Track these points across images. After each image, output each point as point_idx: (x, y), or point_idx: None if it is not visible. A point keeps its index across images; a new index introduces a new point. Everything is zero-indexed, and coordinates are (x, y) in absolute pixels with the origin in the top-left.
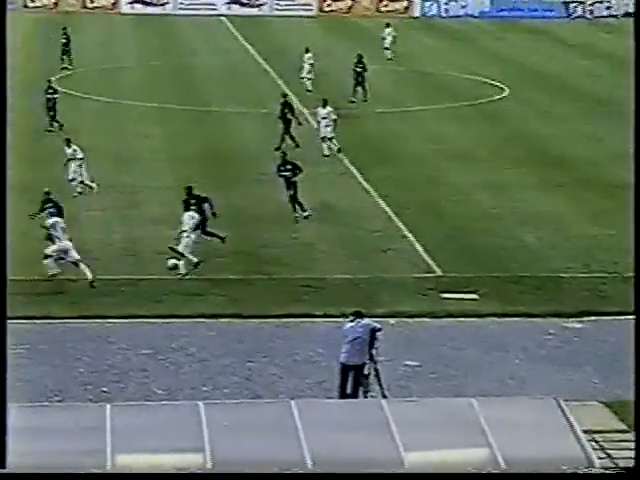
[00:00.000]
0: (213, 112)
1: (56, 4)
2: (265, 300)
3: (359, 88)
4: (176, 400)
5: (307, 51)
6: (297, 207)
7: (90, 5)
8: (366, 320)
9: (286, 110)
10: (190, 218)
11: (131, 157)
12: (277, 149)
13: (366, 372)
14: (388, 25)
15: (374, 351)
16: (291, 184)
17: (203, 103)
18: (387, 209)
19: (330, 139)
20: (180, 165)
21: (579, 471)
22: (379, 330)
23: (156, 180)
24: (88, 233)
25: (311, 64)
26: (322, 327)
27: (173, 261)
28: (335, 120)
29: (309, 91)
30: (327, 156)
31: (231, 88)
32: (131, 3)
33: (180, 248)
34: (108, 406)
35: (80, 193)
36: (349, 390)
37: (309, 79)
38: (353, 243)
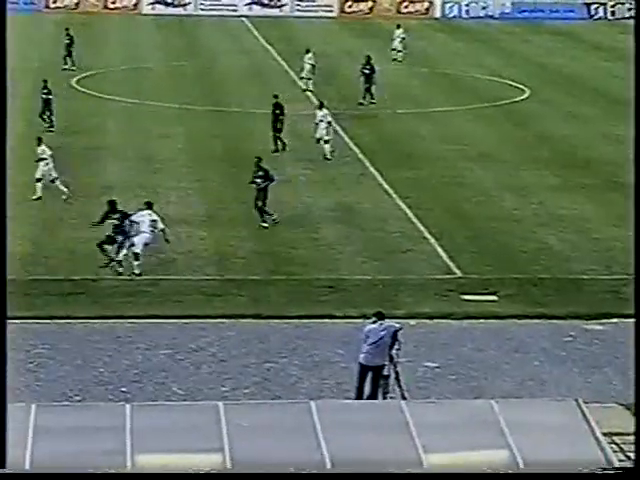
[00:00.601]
0: (234, 112)
1: (77, 5)
2: (285, 301)
3: (370, 89)
4: (195, 400)
5: (307, 52)
6: (263, 215)
7: (111, 6)
8: (388, 321)
9: (277, 111)
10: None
11: (152, 157)
12: (274, 151)
13: (386, 373)
14: (399, 26)
15: (395, 352)
16: (261, 191)
17: (224, 104)
18: (407, 210)
19: (327, 141)
20: (201, 165)
21: (597, 472)
22: (399, 330)
23: (177, 180)
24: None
25: (312, 65)
26: (342, 328)
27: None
28: (330, 123)
29: (310, 91)
30: (329, 159)
31: (252, 89)
32: (152, 4)
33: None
34: (128, 406)
35: (40, 198)
36: (368, 391)
37: (308, 79)
38: (373, 244)
